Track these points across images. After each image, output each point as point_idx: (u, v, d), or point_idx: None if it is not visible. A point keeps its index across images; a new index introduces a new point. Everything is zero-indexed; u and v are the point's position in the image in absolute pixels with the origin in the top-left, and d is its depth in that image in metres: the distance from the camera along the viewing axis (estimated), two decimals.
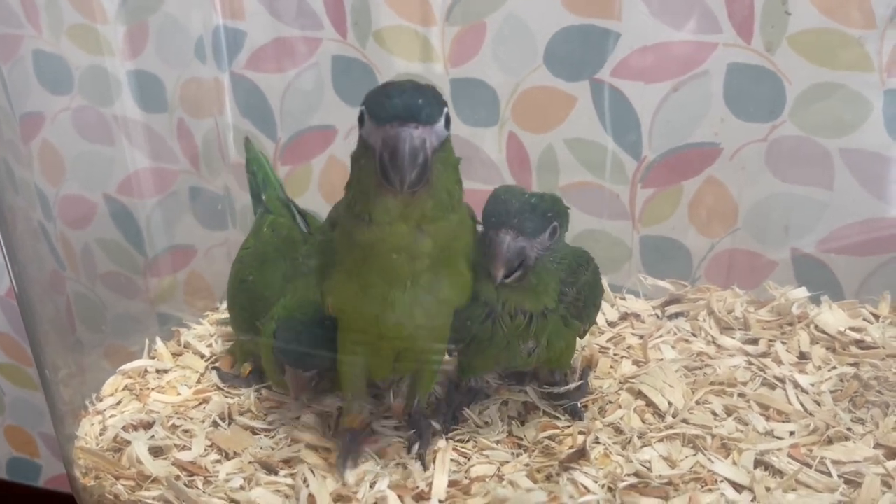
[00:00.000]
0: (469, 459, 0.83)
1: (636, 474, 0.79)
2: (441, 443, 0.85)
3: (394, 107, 0.67)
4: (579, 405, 0.90)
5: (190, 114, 1.30)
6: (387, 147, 0.67)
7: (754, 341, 1.03)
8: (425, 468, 0.81)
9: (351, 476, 0.80)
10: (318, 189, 1.34)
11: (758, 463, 0.80)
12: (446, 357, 0.91)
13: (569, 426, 0.88)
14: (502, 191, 0.81)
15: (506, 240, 0.77)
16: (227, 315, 1.16)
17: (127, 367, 1.02)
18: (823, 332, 1.03)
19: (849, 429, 0.85)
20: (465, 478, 0.80)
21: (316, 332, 0.87)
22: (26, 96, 1.27)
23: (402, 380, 0.94)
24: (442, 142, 0.70)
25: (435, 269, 0.75)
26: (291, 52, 1.28)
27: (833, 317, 1.05)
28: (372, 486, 0.78)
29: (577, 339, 0.93)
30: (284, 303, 0.92)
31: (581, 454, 0.81)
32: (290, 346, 0.89)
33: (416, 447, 0.83)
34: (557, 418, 0.89)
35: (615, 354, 1.02)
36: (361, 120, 0.70)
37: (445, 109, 0.69)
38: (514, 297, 0.81)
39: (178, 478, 0.80)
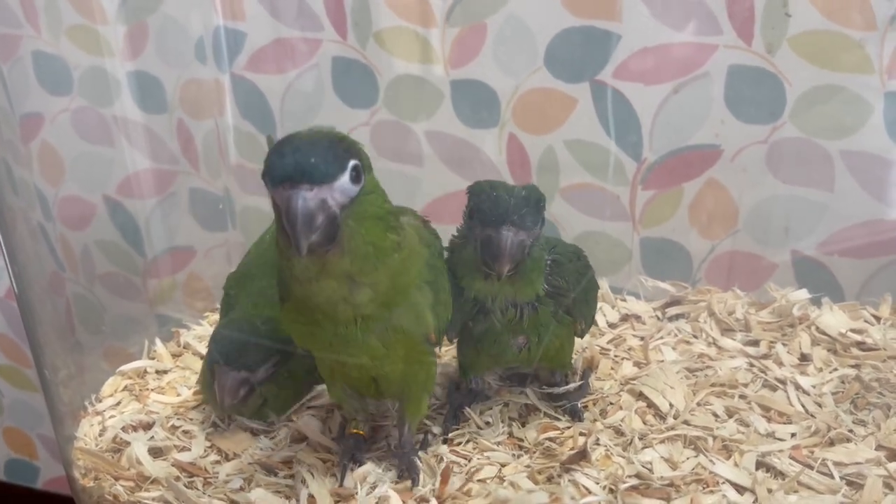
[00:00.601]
0: (469, 461, 0.82)
1: (637, 475, 0.79)
2: (442, 448, 0.84)
3: (284, 167, 0.63)
4: (579, 405, 0.90)
5: (190, 115, 1.30)
6: (283, 213, 0.64)
7: (755, 343, 1.03)
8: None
9: (350, 481, 0.79)
10: None
11: (759, 464, 0.80)
12: (445, 359, 0.91)
13: (569, 427, 0.87)
14: (487, 186, 0.80)
15: (508, 236, 0.77)
16: None
17: (126, 367, 1.02)
18: (825, 333, 1.03)
19: (850, 430, 0.85)
20: (466, 479, 0.79)
21: (250, 332, 0.87)
22: (25, 97, 1.27)
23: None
24: (352, 198, 0.66)
25: (385, 305, 0.72)
26: (291, 53, 1.27)
27: (834, 318, 1.05)
28: (373, 488, 0.78)
29: (576, 338, 0.93)
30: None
31: (582, 455, 0.81)
32: (221, 344, 0.88)
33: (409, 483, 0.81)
34: (558, 419, 0.89)
35: (616, 356, 1.02)
36: (265, 182, 0.67)
37: (352, 162, 0.66)
38: (504, 289, 0.81)
39: (177, 478, 0.79)
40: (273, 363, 0.88)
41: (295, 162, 0.63)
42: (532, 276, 0.82)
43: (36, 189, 1.07)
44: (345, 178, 0.65)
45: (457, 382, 0.93)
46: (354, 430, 0.84)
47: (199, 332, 1.13)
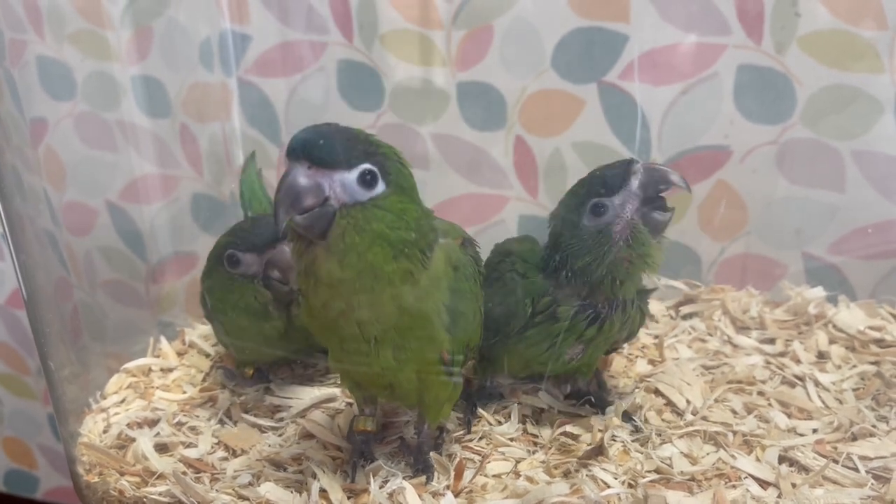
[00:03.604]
0: (485, 457, 0.80)
1: (657, 470, 0.77)
2: (455, 446, 0.83)
3: (294, 142, 0.64)
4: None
5: (194, 119, 1.29)
6: (277, 187, 0.64)
7: (771, 341, 1.02)
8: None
9: (360, 479, 0.77)
10: None
11: (782, 459, 0.79)
12: None
13: (586, 417, 0.86)
14: None
15: None
16: None
17: (131, 365, 1.01)
18: (842, 331, 1.01)
19: (873, 426, 0.83)
20: (482, 475, 0.77)
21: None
22: (29, 102, 1.26)
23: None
24: (358, 201, 0.65)
25: (393, 328, 0.70)
26: (297, 56, 1.27)
27: (851, 316, 1.03)
28: (385, 482, 0.75)
29: None
30: None
31: (599, 451, 0.79)
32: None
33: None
34: (578, 416, 0.87)
35: (630, 354, 1.00)
36: None
37: (365, 166, 0.65)
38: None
39: (184, 474, 0.77)
40: None
41: (304, 140, 0.64)
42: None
43: (45, 194, 1.06)
44: (350, 176, 0.64)
45: (467, 378, 0.91)
46: (362, 428, 0.81)
47: (204, 331, 1.11)
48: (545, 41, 1.15)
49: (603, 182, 0.78)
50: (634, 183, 0.77)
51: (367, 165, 0.65)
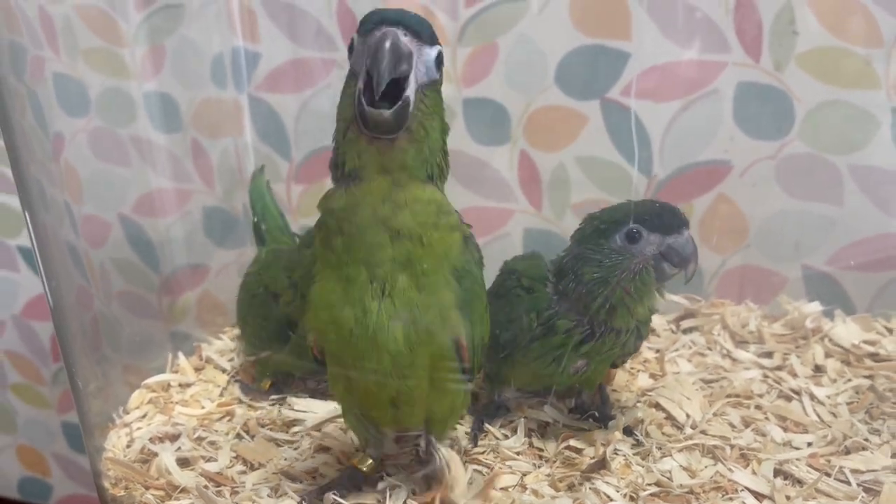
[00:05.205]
0: (491, 470, 0.84)
1: (657, 483, 0.80)
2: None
3: (384, 14, 0.62)
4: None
5: (206, 134, 1.32)
6: (369, 51, 0.61)
7: (769, 355, 1.05)
8: None
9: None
10: None
11: (777, 472, 0.82)
12: None
13: (589, 431, 0.89)
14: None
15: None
16: None
17: (151, 381, 1.04)
18: (838, 345, 1.04)
19: (866, 439, 0.86)
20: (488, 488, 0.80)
21: None
22: (48, 117, 1.29)
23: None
24: (431, 80, 0.64)
25: (412, 274, 0.67)
26: (307, 73, 1.29)
27: (847, 330, 1.06)
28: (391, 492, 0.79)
29: None
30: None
31: (602, 464, 0.82)
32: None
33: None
34: (582, 430, 0.90)
35: (631, 368, 1.03)
36: (350, 49, 0.65)
37: (439, 48, 0.64)
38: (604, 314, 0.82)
39: (206, 487, 0.80)
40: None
41: (396, 11, 0.62)
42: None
43: (66, 207, 1.09)
44: (431, 54, 0.64)
45: (475, 392, 0.95)
46: (357, 465, 0.80)
47: (220, 346, 1.14)
48: (549, 58, 1.18)
49: (653, 218, 0.81)
50: (674, 238, 0.81)
51: (440, 47, 0.64)
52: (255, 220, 1.15)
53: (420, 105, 0.63)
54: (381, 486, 0.80)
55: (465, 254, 0.71)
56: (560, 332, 0.83)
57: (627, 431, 0.89)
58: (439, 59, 0.64)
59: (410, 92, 0.62)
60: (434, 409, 0.75)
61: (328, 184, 1.31)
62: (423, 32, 0.63)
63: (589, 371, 0.87)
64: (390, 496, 0.78)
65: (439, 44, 0.64)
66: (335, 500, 0.76)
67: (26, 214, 0.93)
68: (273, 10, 1.26)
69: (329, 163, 0.69)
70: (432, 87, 0.65)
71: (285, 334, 0.98)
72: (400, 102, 0.62)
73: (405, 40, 0.61)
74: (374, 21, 0.62)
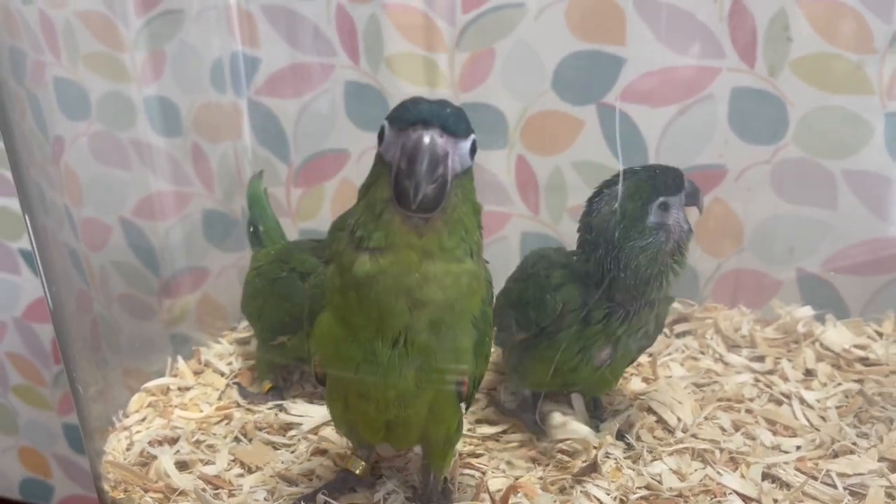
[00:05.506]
0: (484, 474, 0.85)
1: (647, 487, 0.81)
2: None
3: (419, 111, 0.61)
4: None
5: (206, 138, 1.33)
6: (405, 153, 0.61)
7: (761, 359, 1.06)
8: None
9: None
10: (329, 211, 1.36)
11: (765, 476, 0.83)
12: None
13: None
14: None
15: None
16: (245, 334, 1.19)
17: (150, 384, 1.05)
18: (829, 349, 1.05)
19: (854, 443, 0.87)
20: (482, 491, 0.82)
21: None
22: (48, 121, 1.30)
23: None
24: (465, 169, 0.64)
25: (432, 330, 0.67)
26: (306, 78, 1.30)
27: (838, 335, 1.07)
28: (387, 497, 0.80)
29: None
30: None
31: (593, 468, 0.83)
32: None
33: None
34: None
35: (625, 372, 1.04)
36: (381, 136, 0.64)
37: (473, 136, 0.64)
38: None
39: (204, 490, 0.82)
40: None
41: (431, 108, 0.62)
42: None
43: (66, 210, 1.10)
44: (467, 145, 0.64)
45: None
46: (349, 468, 0.82)
47: (219, 350, 1.16)
48: (545, 64, 1.18)
49: (665, 182, 0.83)
50: (685, 189, 0.84)
51: (474, 136, 0.65)
52: (251, 223, 1.16)
53: (457, 192, 0.63)
54: (377, 496, 0.81)
55: (485, 300, 0.71)
56: (595, 322, 0.84)
57: (619, 435, 0.90)
58: (473, 148, 0.65)
59: (448, 174, 0.62)
60: (429, 434, 0.76)
61: (327, 187, 1.34)
62: (460, 129, 0.63)
63: (613, 362, 0.88)
64: (386, 502, 0.79)
65: (473, 132, 0.64)
66: (326, 500, 0.78)
67: (26, 218, 0.94)
68: (272, 15, 1.27)
69: (347, 229, 0.68)
70: (465, 175, 0.65)
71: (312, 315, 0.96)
72: (437, 182, 0.61)
73: (441, 142, 0.61)
74: (410, 120, 0.62)
